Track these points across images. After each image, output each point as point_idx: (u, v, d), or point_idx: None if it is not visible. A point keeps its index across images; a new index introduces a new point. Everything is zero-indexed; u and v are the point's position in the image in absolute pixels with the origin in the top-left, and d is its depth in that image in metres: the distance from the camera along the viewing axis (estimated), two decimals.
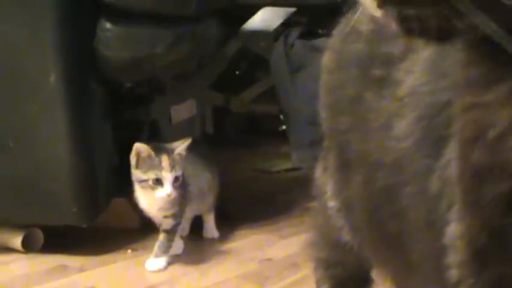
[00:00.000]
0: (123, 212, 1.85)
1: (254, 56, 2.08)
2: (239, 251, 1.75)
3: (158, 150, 1.61)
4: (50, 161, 1.63)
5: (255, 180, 2.49)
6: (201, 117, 2.13)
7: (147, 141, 1.68)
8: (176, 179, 1.61)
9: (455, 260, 0.65)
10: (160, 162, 1.59)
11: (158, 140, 1.88)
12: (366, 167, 0.92)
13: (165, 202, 1.63)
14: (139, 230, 1.87)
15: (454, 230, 0.66)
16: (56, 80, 1.56)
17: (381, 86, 0.88)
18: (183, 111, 1.98)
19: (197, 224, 1.85)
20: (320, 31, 1.90)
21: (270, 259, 1.70)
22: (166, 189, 1.59)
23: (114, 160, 1.80)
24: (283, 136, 2.44)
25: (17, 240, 1.72)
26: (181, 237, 1.77)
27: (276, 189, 2.35)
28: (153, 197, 1.63)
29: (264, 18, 1.82)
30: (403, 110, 0.81)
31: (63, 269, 1.64)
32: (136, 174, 1.62)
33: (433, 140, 0.73)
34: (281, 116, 2.76)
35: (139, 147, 1.60)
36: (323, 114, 1.09)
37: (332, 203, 1.09)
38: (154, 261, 1.64)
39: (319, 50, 1.71)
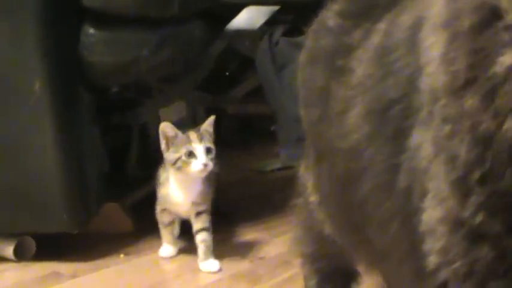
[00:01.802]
0: (116, 216, 1.85)
1: (242, 55, 2.08)
2: (232, 250, 1.75)
3: (184, 129, 1.63)
4: (39, 169, 1.62)
5: (249, 179, 2.49)
6: (192, 119, 2.13)
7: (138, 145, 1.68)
8: (208, 150, 1.60)
9: (433, 247, 0.65)
10: (188, 137, 1.60)
11: (148, 143, 1.89)
12: (329, 155, 0.94)
13: (198, 192, 1.64)
14: (132, 234, 1.86)
15: (430, 216, 0.65)
16: (41, 88, 1.56)
17: (341, 74, 0.90)
18: (172, 113, 1.98)
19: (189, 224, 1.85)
20: (305, 28, 1.90)
21: (263, 257, 1.70)
22: (201, 159, 1.58)
23: (105, 165, 1.80)
24: (276, 136, 2.45)
25: (8, 249, 1.71)
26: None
27: (269, 188, 2.35)
28: (189, 181, 1.63)
29: (249, 17, 1.82)
30: (354, 100, 0.83)
31: (56, 276, 1.63)
32: (169, 156, 1.62)
33: (389, 135, 0.74)
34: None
35: (164, 126, 1.61)
36: (301, 111, 1.11)
37: (313, 198, 1.10)
38: (208, 264, 1.63)
39: (302, 47, 1.73)
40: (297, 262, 1.58)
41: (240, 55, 2.07)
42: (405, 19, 0.78)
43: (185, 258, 1.69)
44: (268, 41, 1.77)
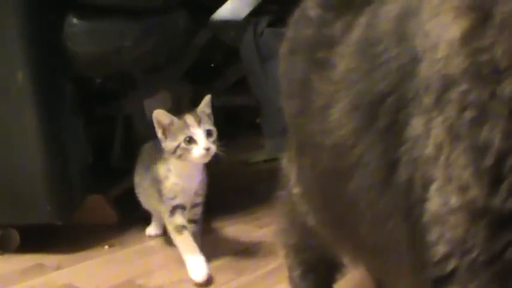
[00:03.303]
0: (100, 208, 1.85)
1: (227, 46, 2.07)
2: (217, 242, 1.75)
3: (179, 116, 1.55)
4: (21, 160, 1.61)
5: (234, 171, 2.48)
6: (177, 110, 2.12)
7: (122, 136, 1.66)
8: (208, 132, 1.52)
9: (443, 236, 0.64)
10: (185, 121, 1.52)
11: (133, 135, 1.87)
12: (312, 150, 0.93)
13: (200, 181, 1.58)
14: (116, 225, 1.86)
15: (438, 205, 0.64)
16: (24, 77, 1.55)
17: (322, 68, 0.88)
18: (157, 104, 1.97)
19: None
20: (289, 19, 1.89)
21: (247, 249, 1.70)
22: (201, 144, 1.49)
23: (88, 157, 1.79)
24: (261, 127, 2.44)
25: None
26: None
27: (254, 180, 2.34)
28: (191, 168, 1.56)
29: (233, 7, 1.80)
30: (337, 95, 0.82)
31: (39, 268, 1.63)
32: (167, 146, 1.53)
33: (381, 129, 0.72)
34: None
35: (157, 114, 1.53)
36: (282, 102, 1.10)
37: (296, 190, 1.10)
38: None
39: None
40: (282, 253, 1.61)
41: (225, 46, 2.06)
42: (389, 9, 0.76)
43: (170, 249, 1.68)
44: (253, 31, 1.76)
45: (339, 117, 0.81)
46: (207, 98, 1.59)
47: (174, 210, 1.57)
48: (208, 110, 1.58)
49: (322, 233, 1.06)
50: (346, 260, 1.18)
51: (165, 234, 1.76)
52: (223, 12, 1.81)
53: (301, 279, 1.22)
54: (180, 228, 1.56)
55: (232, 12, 1.81)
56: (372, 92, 0.74)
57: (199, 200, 1.63)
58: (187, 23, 1.75)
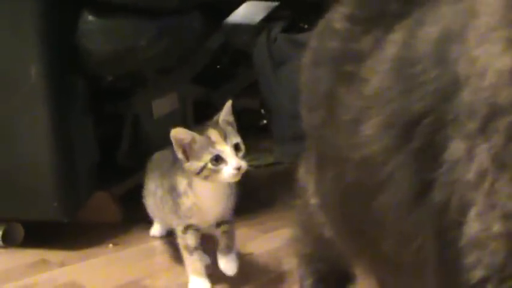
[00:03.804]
0: (104, 206, 1.84)
1: (235, 50, 2.08)
2: None
3: (200, 130, 1.36)
4: (30, 156, 1.61)
5: None
6: (182, 112, 2.12)
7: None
8: (236, 147, 1.36)
9: (481, 260, 0.65)
10: (209, 138, 1.34)
11: (140, 134, 1.87)
12: (336, 162, 0.93)
13: (229, 198, 1.43)
14: (120, 224, 1.86)
15: (477, 230, 0.65)
16: (37, 73, 1.55)
17: (351, 82, 0.89)
18: (164, 105, 1.97)
19: None
20: (303, 25, 1.90)
21: (252, 253, 1.70)
22: (232, 163, 1.32)
23: (95, 154, 1.78)
24: (264, 131, 2.44)
25: None
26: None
27: (257, 184, 2.34)
28: (220, 187, 1.40)
29: (247, 12, 1.81)
30: (369, 111, 0.82)
31: (43, 264, 1.63)
32: (191, 167, 1.35)
33: (416, 149, 0.73)
34: (262, 111, 2.76)
35: (176, 132, 1.34)
36: (302, 112, 1.10)
37: (314, 200, 1.10)
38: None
39: (302, 45, 1.72)
40: (291, 260, 1.60)
41: (233, 50, 2.07)
42: (428, 31, 0.77)
43: (175, 251, 1.67)
44: (267, 36, 1.77)
45: (370, 133, 0.81)
46: (228, 105, 1.41)
47: (187, 229, 1.45)
48: (231, 118, 1.41)
49: (339, 244, 1.07)
50: (359, 272, 1.19)
51: (168, 235, 1.76)
52: (236, 17, 1.81)
53: None
54: (191, 249, 1.46)
55: (246, 17, 1.82)
56: (408, 112, 0.74)
57: (226, 218, 1.48)
58: (201, 26, 1.75)
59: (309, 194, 1.12)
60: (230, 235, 1.49)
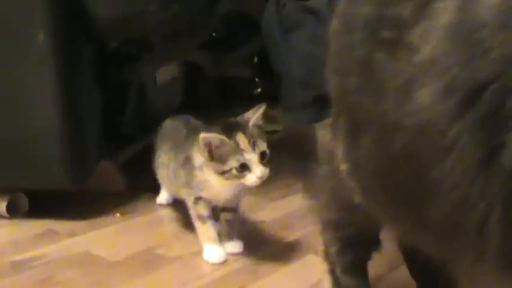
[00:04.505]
0: (109, 175, 1.81)
1: (236, 17, 2.05)
2: None
3: (229, 131, 1.35)
4: (38, 123, 1.57)
5: None
6: (182, 80, 2.09)
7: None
8: (263, 155, 1.36)
9: None
10: (238, 145, 1.33)
11: (144, 103, 1.84)
12: (378, 128, 0.92)
13: (238, 187, 1.40)
14: (126, 193, 1.83)
15: None
16: (45, 38, 1.50)
17: (393, 48, 0.87)
18: (166, 72, 1.94)
19: None
20: None
21: (264, 221, 1.69)
22: (257, 173, 1.34)
23: (101, 122, 1.75)
24: (257, 99, 2.42)
25: (1, 206, 1.66)
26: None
27: None
28: (238, 185, 1.39)
29: None
30: (423, 78, 0.81)
31: (52, 234, 1.59)
32: (214, 166, 1.36)
33: (481, 116, 0.72)
34: (256, 79, 2.74)
35: (207, 138, 1.33)
36: (331, 79, 1.09)
37: (343, 166, 1.09)
38: (232, 244, 1.49)
39: (311, 11, 1.70)
40: (300, 227, 1.61)
41: (237, 16, 2.04)
42: None
43: (184, 220, 1.65)
44: (276, 3, 1.74)
45: (427, 100, 0.80)
46: (261, 110, 1.40)
47: (198, 200, 1.46)
48: (260, 122, 1.40)
49: (371, 211, 1.06)
50: (386, 238, 1.19)
51: (175, 203, 1.74)
52: None
53: (338, 254, 1.22)
54: (203, 218, 1.46)
55: None
56: (472, 79, 0.73)
57: (233, 205, 1.49)
58: None
59: (337, 160, 1.11)
60: (232, 224, 1.51)
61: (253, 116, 1.39)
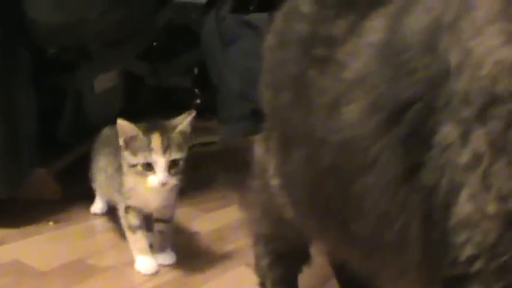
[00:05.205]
0: (44, 183, 1.79)
1: (179, 28, 2.05)
2: None
3: (148, 129, 1.35)
4: None
5: None
6: (121, 88, 2.08)
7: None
8: (174, 163, 1.35)
9: (471, 239, 0.68)
10: (149, 143, 1.33)
11: (81, 110, 1.82)
12: (308, 143, 0.95)
13: (160, 193, 1.40)
14: (60, 201, 1.80)
15: (469, 210, 0.68)
16: None
17: (324, 65, 0.90)
18: (104, 80, 1.93)
19: None
20: (249, 7, 1.90)
21: (196, 232, 1.70)
22: (159, 177, 1.33)
23: (37, 129, 1.72)
24: (197, 110, 2.43)
25: None
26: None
27: (190, 162, 2.34)
28: (163, 192, 1.40)
29: None
30: (350, 94, 0.84)
31: None
32: (127, 157, 1.36)
33: (404, 134, 0.75)
34: (196, 90, 2.74)
35: (122, 124, 1.34)
36: (265, 94, 1.11)
37: (275, 181, 1.11)
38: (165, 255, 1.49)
39: (250, 26, 1.73)
40: (235, 239, 1.62)
41: (177, 27, 2.04)
42: (416, 19, 0.79)
43: (117, 229, 1.62)
44: (216, 16, 1.76)
45: (352, 117, 0.83)
46: (189, 118, 1.40)
47: (128, 209, 1.45)
48: (188, 129, 1.40)
49: (301, 225, 1.08)
50: (316, 252, 1.22)
51: (109, 213, 1.73)
52: None
53: (269, 268, 1.24)
54: (134, 228, 1.45)
55: None
56: (397, 97, 0.77)
57: (164, 217, 1.49)
58: (151, 1, 1.71)
59: (268, 175, 1.13)
60: (165, 235, 1.51)
61: (181, 122, 1.39)
